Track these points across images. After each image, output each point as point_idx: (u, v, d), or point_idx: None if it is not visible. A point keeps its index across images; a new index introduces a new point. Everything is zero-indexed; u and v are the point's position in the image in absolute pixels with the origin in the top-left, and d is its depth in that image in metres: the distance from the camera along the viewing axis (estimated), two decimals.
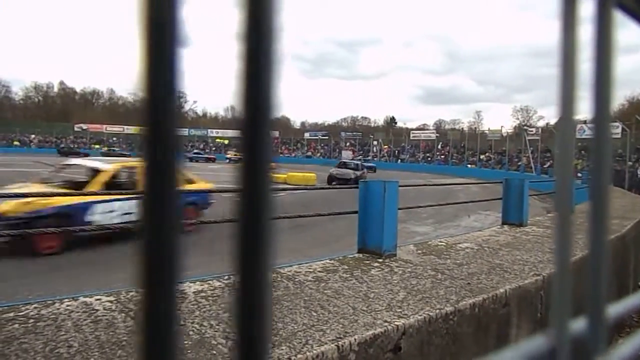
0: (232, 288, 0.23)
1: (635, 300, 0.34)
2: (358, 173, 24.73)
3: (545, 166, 39.61)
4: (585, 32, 0.30)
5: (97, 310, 2.46)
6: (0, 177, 20.63)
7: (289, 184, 22.54)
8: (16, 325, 2.20)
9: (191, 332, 2.22)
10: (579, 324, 0.29)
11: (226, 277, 3.20)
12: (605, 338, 0.29)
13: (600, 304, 0.29)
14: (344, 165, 27.61)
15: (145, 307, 0.22)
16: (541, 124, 63.53)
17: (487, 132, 54.65)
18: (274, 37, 0.22)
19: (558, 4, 0.28)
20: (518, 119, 69.77)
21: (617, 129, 33.21)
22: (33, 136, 68.42)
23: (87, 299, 2.61)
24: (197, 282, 3.04)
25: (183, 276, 0.22)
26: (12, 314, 2.33)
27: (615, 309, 0.31)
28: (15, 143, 64.25)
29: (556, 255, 0.28)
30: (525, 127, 50.72)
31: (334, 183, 22.57)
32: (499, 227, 6.34)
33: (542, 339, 0.28)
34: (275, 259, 0.24)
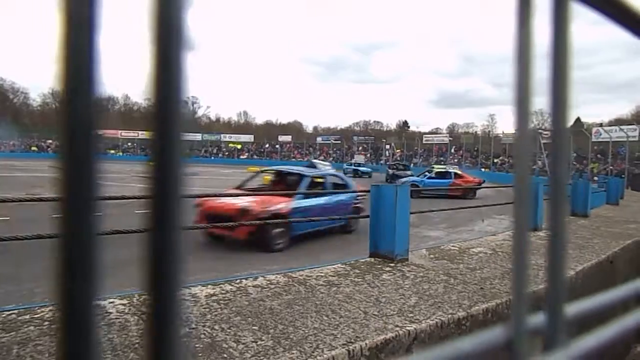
0: (144, 304, 0.22)
1: (594, 302, 0.34)
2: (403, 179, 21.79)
3: None
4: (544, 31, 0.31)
5: (111, 313, 2.49)
6: (22, 182, 21.04)
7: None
8: (32, 327, 2.23)
9: (202, 336, 2.24)
10: (537, 318, 0.30)
11: (237, 281, 3.21)
12: (564, 332, 0.30)
13: (559, 300, 0.30)
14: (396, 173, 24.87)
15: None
16: None
17: (500, 135, 54.13)
18: (181, 34, 0.22)
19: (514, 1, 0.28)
20: (532, 122, 68.85)
21: (634, 132, 32.62)
22: (50, 141, 69.68)
23: (101, 302, 2.64)
24: (209, 286, 3.05)
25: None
26: (28, 316, 2.37)
27: (574, 308, 0.32)
28: (33, 148, 65.50)
29: (514, 255, 0.29)
30: (539, 130, 50.10)
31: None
32: (513, 231, 6.27)
33: (501, 330, 0.29)
34: (186, 273, 0.22)
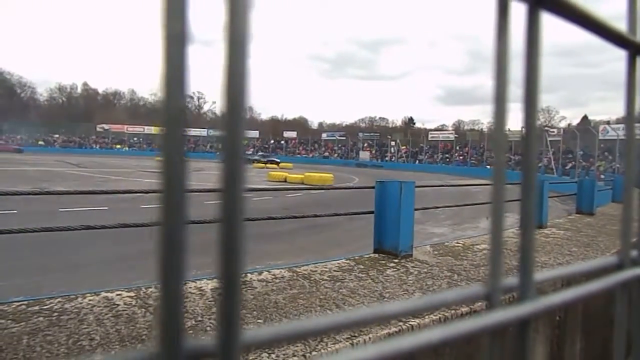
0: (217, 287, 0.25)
1: (555, 273, 0.43)
2: None
3: (566, 167, 38.86)
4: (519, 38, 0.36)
5: (118, 305, 2.53)
6: (28, 176, 21.23)
7: (306, 184, 22.63)
8: (41, 318, 2.27)
9: (208, 328, 2.27)
10: (511, 279, 0.37)
11: (242, 275, 3.24)
12: (533, 290, 0.37)
13: (529, 266, 0.37)
14: None
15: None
16: (563, 124, 62.46)
17: (507, 132, 53.91)
18: (248, 42, 0.24)
19: (494, 11, 0.33)
20: (539, 119, 68.22)
21: None
22: (57, 136, 70.12)
23: (109, 294, 2.68)
24: (215, 280, 3.08)
25: (189, 275, 0.24)
26: (37, 307, 2.41)
27: (541, 275, 0.39)
28: (40, 142, 65.95)
29: (491, 224, 0.36)
30: (546, 128, 49.85)
31: None
32: (517, 228, 6.24)
33: (481, 286, 0.36)
34: (247, 259, 0.25)
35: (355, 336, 2.27)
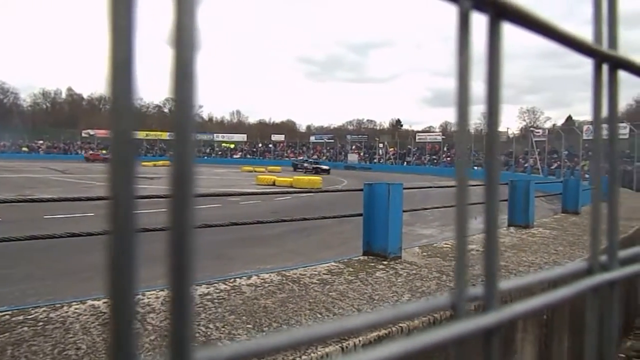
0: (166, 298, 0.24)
1: (522, 280, 0.43)
2: None
3: (552, 167, 39.36)
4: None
5: (105, 313, 2.49)
6: (13, 183, 20.87)
7: (295, 188, 22.59)
8: (25, 328, 2.23)
9: (197, 334, 2.25)
10: (476, 289, 0.38)
11: (231, 280, 3.22)
12: (498, 300, 0.38)
13: (493, 275, 0.37)
14: None
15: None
16: (548, 125, 63.31)
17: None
18: (195, 43, 0.23)
19: (455, 21, 0.34)
20: (525, 120, 69.40)
21: (624, 129, 32.91)
22: (41, 142, 69.06)
23: (95, 302, 2.65)
24: (203, 285, 3.06)
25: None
26: (21, 317, 2.37)
27: (506, 284, 0.40)
28: (24, 149, 64.88)
29: (456, 232, 0.36)
30: (531, 129, 50.47)
31: None
32: (504, 229, 6.32)
33: (446, 296, 0.37)
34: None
35: (345, 339, 2.27)
